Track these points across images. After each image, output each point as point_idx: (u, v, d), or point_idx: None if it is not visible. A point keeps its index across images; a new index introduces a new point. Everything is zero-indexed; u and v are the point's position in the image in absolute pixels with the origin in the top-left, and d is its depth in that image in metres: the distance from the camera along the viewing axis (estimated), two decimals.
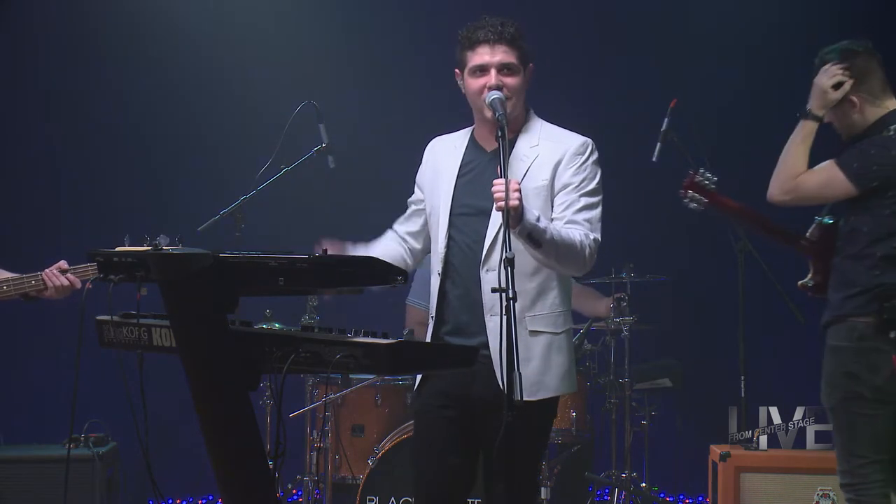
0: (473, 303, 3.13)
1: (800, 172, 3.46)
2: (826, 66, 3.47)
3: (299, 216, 6.20)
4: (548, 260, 3.04)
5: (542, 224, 2.97)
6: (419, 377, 3.26)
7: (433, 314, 3.23)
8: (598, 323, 5.50)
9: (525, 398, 2.69)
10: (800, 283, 3.67)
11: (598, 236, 3.13)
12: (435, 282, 3.23)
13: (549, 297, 3.16)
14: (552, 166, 3.15)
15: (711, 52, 6.34)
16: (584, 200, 3.14)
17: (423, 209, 3.36)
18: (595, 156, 3.21)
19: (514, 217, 2.86)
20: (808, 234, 3.64)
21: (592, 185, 3.17)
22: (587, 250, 3.07)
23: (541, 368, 3.12)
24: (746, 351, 4.98)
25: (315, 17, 6.56)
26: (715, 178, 3.69)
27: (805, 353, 6.27)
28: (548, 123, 3.27)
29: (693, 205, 3.69)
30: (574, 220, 3.10)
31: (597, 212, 3.16)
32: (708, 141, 5.13)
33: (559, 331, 3.18)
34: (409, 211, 3.44)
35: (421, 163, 3.43)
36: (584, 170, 3.16)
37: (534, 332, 3.13)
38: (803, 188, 3.46)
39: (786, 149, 3.52)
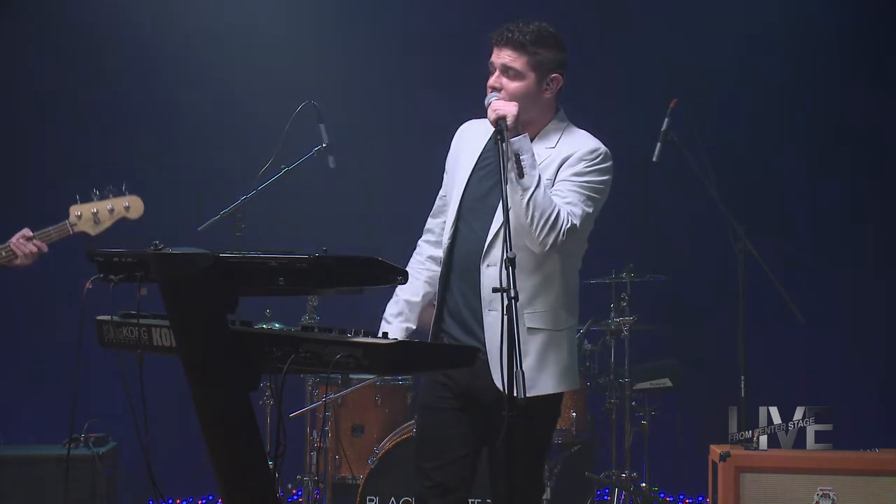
0: (473, 296, 3.13)
1: None
2: None
3: (299, 216, 6.20)
4: (523, 201, 2.95)
5: (533, 160, 2.98)
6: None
7: (436, 301, 3.24)
8: (599, 323, 5.50)
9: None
10: None
11: (578, 223, 3.02)
12: (441, 270, 3.23)
13: (551, 295, 3.12)
14: (558, 164, 3.10)
15: (711, 51, 6.33)
16: (579, 191, 3.07)
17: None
18: (606, 164, 3.13)
19: (512, 127, 2.94)
20: None
21: (592, 185, 3.09)
22: (562, 222, 2.98)
23: (536, 366, 3.08)
24: (746, 351, 4.97)
25: (315, 17, 6.56)
26: None
27: (805, 353, 6.32)
28: (575, 128, 3.20)
29: None
30: (561, 197, 3.05)
31: (587, 209, 3.07)
32: (708, 141, 5.13)
33: (560, 328, 3.15)
34: (436, 206, 3.39)
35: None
36: (588, 171, 3.09)
37: (532, 330, 3.09)
38: None
39: None
